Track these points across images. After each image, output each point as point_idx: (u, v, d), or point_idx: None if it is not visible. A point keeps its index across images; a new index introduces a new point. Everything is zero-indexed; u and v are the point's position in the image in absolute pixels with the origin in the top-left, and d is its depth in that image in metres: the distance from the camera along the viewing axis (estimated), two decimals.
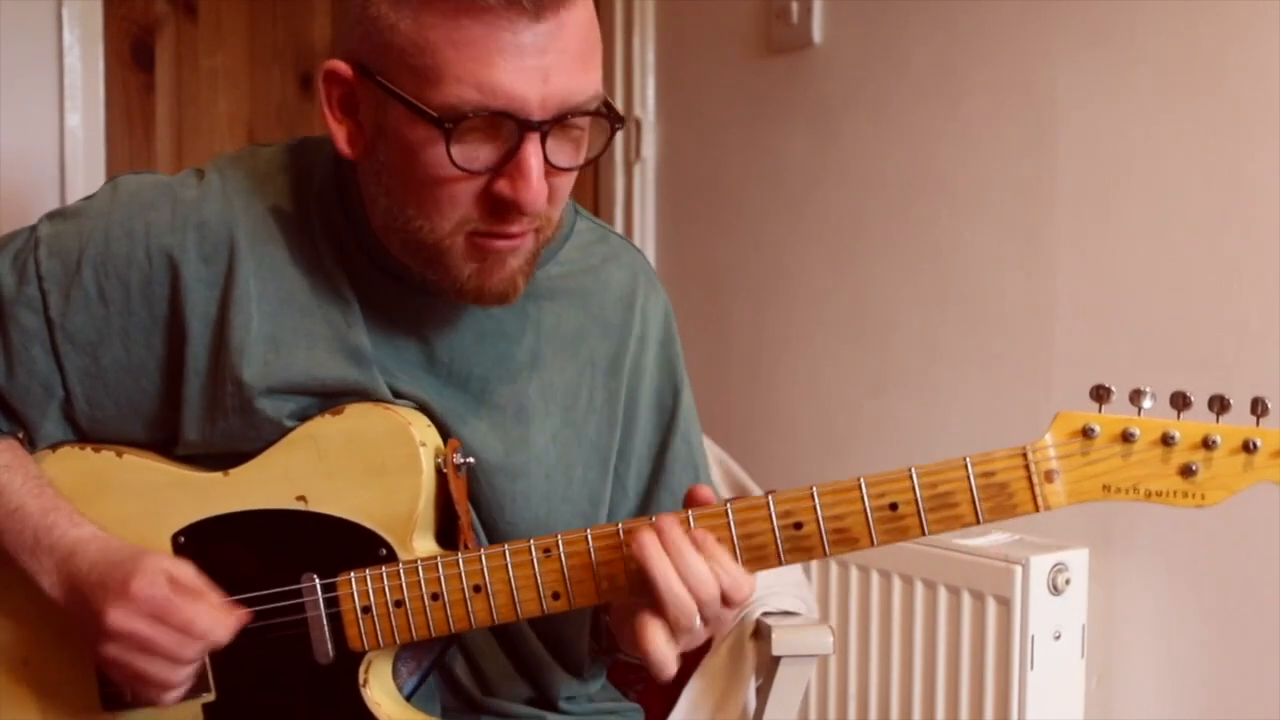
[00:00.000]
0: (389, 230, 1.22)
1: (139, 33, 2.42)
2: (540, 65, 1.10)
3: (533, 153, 1.12)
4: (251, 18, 2.53)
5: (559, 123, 1.13)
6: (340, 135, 1.20)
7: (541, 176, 1.13)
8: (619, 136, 2.79)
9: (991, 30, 2.15)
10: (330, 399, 1.26)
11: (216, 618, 1.20)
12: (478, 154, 1.13)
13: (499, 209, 1.15)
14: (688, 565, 1.12)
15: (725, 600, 1.13)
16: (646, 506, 1.38)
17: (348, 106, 1.19)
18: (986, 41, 2.16)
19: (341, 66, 1.18)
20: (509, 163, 1.12)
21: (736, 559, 1.15)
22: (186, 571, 1.22)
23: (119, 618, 1.18)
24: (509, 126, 1.11)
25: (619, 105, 2.80)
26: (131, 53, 2.42)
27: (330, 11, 2.63)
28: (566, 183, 1.19)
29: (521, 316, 1.31)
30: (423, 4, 1.10)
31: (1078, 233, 2.05)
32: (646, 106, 2.79)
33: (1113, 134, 1.99)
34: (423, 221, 1.17)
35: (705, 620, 1.14)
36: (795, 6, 2.44)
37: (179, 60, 2.46)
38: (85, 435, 1.32)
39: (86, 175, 2.28)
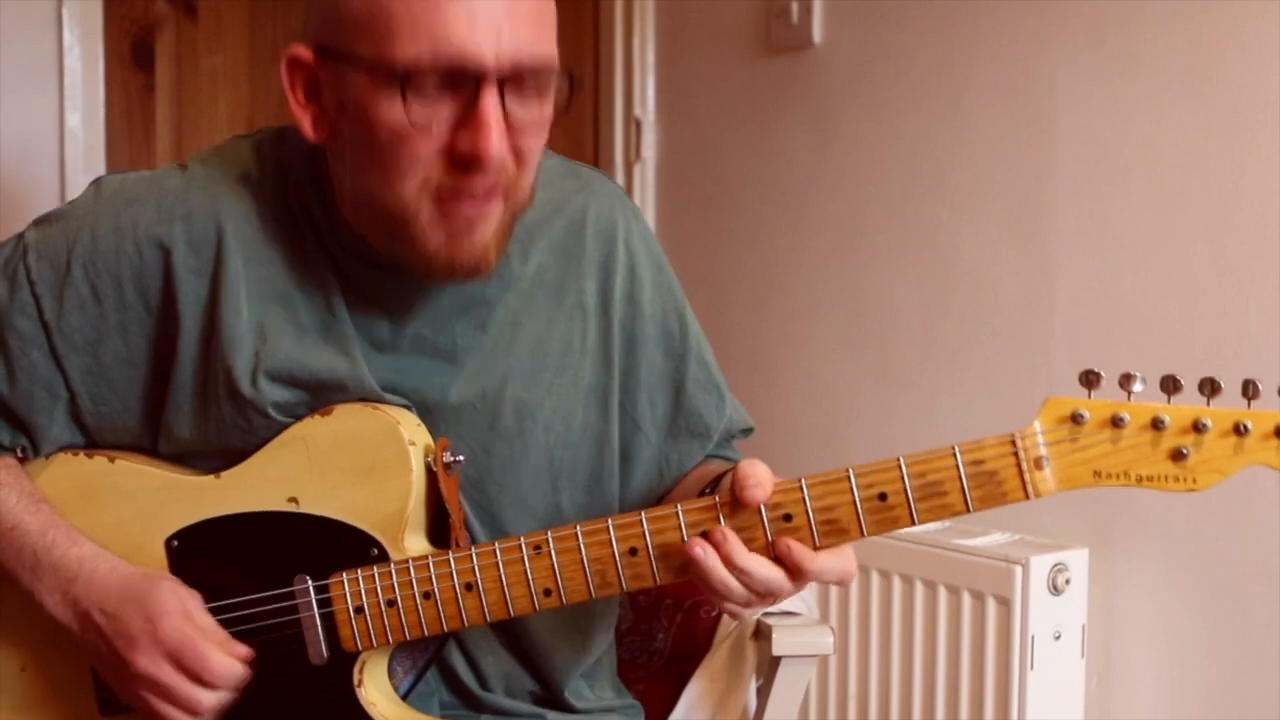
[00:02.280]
0: (358, 209, 1.23)
1: (139, 33, 2.42)
2: (492, 21, 1.13)
3: (490, 103, 1.13)
4: (251, 18, 2.53)
5: (515, 78, 1.15)
6: (305, 121, 1.21)
7: (501, 128, 1.14)
8: (619, 136, 2.81)
9: (991, 30, 2.15)
10: (319, 391, 1.26)
11: (229, 665, 1.22)
12: (437, 110, 1.14)
13: (460, 165, 1.15)
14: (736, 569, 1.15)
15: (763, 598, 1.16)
16: (675, 435, 1.39)
17: (311, 92, 1.21)
18: (986, 41, 2.16)
19: (302, 51, 1.20)
20: (467, 115, 1.14)
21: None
22: (196, 605, 1.23)
23: (146, 661, 1.20)
24: (466, 80, 1.13)
25: (618, 105, 2.80)
26: (131, 53, 2.41)
27: None
28: (532, 146, 1.20)
29: (501, 278, 1.31)
30: None
31: (1077, 232, 2.04)
32: (646, 106, 2.78)
33: (1112, 133, 1.99)
34: (385, 189, 1.17)
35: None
36: (795, 6, 2.44)
37: (179, 60, 2.46)
38: (91, 434, 1.32)
39: (86, 175, 2.27)
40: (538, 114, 1.19)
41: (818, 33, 2.42)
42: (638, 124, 2.78)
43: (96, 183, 1.33)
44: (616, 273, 1.35)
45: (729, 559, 1.13)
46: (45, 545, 1.26)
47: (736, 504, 1.14)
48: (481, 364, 1.30)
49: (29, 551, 1.26)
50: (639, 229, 1.39)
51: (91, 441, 1.33)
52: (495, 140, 1.14)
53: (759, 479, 1.14)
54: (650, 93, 2.79)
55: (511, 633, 1.35)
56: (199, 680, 1.20)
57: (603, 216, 1.37)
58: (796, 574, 1.14)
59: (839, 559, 1.15)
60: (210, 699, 1.21)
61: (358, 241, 1.26)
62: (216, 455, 1.28)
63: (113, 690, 1.27)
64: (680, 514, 1.16)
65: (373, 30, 1.13)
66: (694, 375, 1.39)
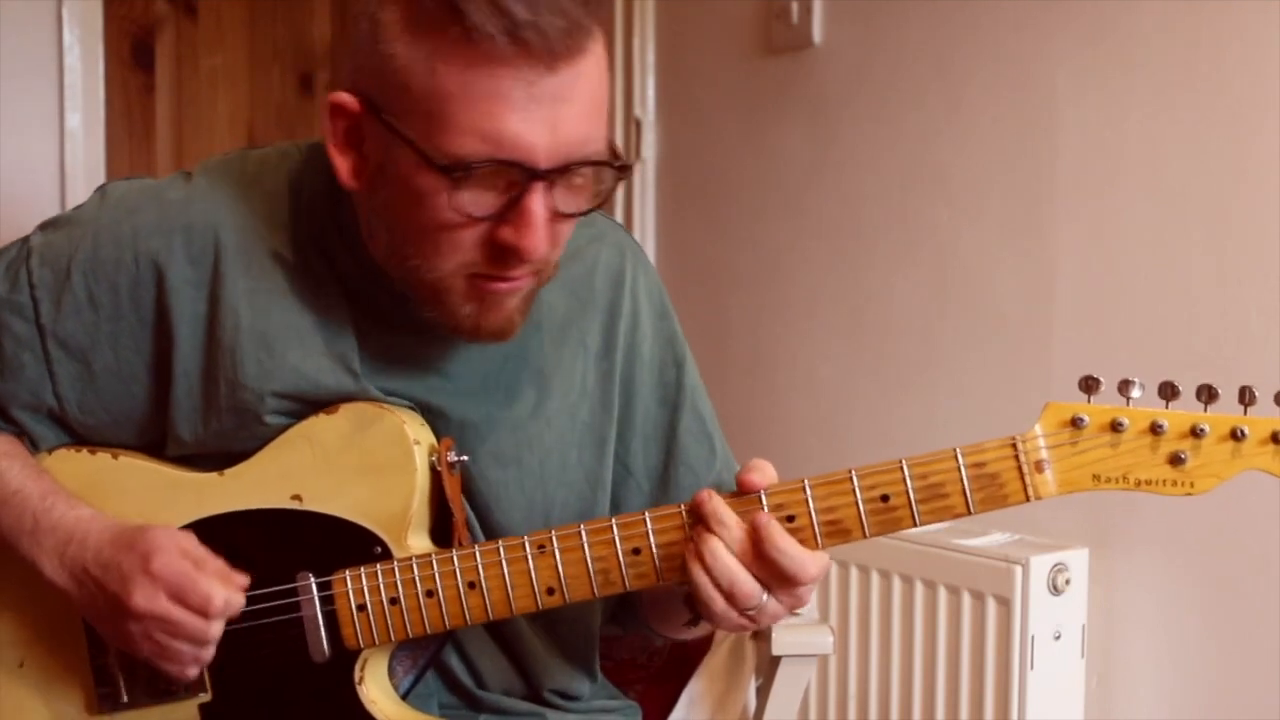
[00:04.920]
0: (389, 263, 1.21)
1: (139, 33, 2.42)
2: (550, 116, 1.09)
3: (538, 202, 1.12)
4: (251, 18, 2.53)
5: (565, 172, 1.12)
6: (344, 167, 1.18)
7: (545, 225, 1.13)
8: (619, 136, 2.81)
9: (991, 30, 2.15)
10: (323, 404, 1.26)
11: (230, 593, 1.21)
12: (482, 200, 1.12)
13: (501, 255, 1.14)
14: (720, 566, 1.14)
15: (787, 584, 1.14)
16: (665, 485, 1.38)
17: (352, 139, 1.17)
18: (986, 41, 2.16)
19: (348, 100, 1.16)
20: (513, 210, 1.12)
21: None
22: (191, 542, 1.22)
23: (143, 599, 1.19)
24: (515, 174, 1.10)
25: (619, 105, 2.80)
26: (131, 53, 2.42)
27: (330, 12, 2.64)
28: (569, 228, 1.19)
29: None
30: (437, 50, 1.08)
31: (1076, 231, 2.05)
32: (646, 106, 2.78)
33: (1112, 132, 1.99)
34: (421, 262, 1.16)
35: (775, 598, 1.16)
36: (795, 6, 2.44)
37: (179, 60, 2.47)
38: (79, 440, 1.32)
39: (86, 176, 2.28)
40: (582, 203, 1.17)
41: (818, 33, 2.42)
42: (638, 124, 2.78)
43: (102, 189, 1.33)
44: (621, 319, 1.35)
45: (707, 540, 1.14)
46: (45, 508, 1.25)
47: (741, 504, 1.15)
48: (483, 388, 1.30)
49: (29, 514, 1.26)
50: (646, 279, 1.39)
51: (80, 442, 1.33)
52: (539, 239, 1.12)
53: (761, 469, 1.16)
54: (650, 93, 2.79)
55: (505, 636, 1.35)
56: (200, 612, 1.19)
57: (613, 264, 1.36)
58: (761, 549, 1.14)
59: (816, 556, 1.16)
60: (215, 630, 1.20)
61: (376, 268, 1.25)
62: (220, 458, 1.28)
63: (116, 647, 1.26)
64: (684, 514, 1.17)
65: (427, 111, 1.10)
66: (687, 425, 1.39)
